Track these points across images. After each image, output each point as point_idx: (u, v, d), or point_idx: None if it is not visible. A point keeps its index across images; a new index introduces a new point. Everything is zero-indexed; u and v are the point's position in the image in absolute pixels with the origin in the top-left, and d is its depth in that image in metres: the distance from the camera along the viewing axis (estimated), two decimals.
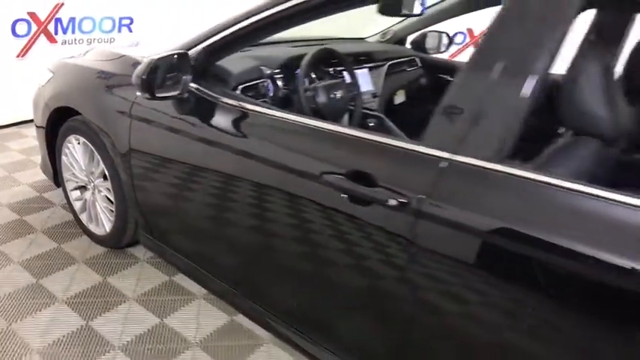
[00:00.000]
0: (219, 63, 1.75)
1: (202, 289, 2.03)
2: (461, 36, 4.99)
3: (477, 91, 1.11)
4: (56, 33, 3.78)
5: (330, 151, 1.32)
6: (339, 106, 1.89)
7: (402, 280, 1.19)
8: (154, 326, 1.86)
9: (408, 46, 2.87)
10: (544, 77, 1.06)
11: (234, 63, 1.81)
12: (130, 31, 4.20)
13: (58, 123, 2.24)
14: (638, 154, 1.82)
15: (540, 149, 1.24)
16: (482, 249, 1.06)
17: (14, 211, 2.56)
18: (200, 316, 1.93)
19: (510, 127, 1.06)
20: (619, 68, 1.96)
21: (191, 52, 1.64)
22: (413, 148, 1.17)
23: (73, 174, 2.30)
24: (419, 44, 2.78)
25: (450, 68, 2.66)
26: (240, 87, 1.75)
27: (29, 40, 3.67)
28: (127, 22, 4.16)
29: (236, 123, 1.54)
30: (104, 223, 2.22)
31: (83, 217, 2.35)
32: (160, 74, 1.52)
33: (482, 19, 4.48)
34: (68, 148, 2.25)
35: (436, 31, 2.78)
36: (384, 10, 1.81)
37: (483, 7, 2.30)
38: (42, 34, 3.72)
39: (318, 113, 1.84)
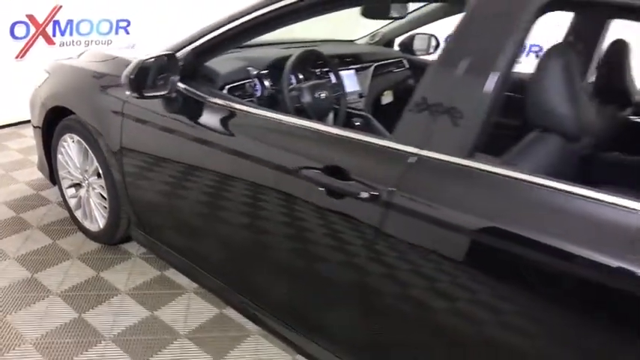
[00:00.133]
0: (208, 64, 1.82)
1: (193, 283, 2.09)
2: None
3: (443, 88, 1.17)
4: (54, 35, 3.86)
5: (310, 147, 1.39)
6: (324, 105, 1.95)
7: (374, 270, 1.25)
8: (144, 318, 1.92)
9: (396, 48, 2.93)
10: (506, 75, 1.12)
11: (222, 64, 1.88)
12: (127, 33, 4.27)
13: (54, 122, 2.30)
14: (602, 151, 1.90)
15: (508, 145, 1.30)
16: (447, 239, 1.12)
17: (11, 209, 2.62)
18: (190, 309, 1.99)
19: (474, 123, 1.12)
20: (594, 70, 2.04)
21: (180, 54, 1.71)
22: (384, 144, 1.24)
23: (68, 172, 2.36)
24: (407, 46, 2.84)
25: None
26: (227, 87, 1.81)
27: (28, 42, 3.74)
28: (124, 24, 4.23)
29: (222, 121, 1.61)
30: (98, 220, 2.29)
31: (78, 214, 2.41)
32: (149, 74, 1.59)
33: None
34: (63, 147, 2.32)
35: (424, 34, 2.85)
36: (367, 14, 1.89)
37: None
38: (40, 36, 3.79)
39: (303, 112, 1.90)
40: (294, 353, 1.79)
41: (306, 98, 1.89)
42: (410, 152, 1.18)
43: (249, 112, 1.56)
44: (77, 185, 2.38)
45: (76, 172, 2.32)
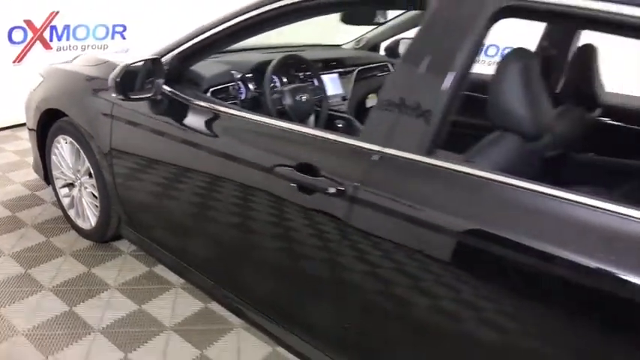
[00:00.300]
0: (193, 68, 1.91)
1: (180, 278, 2.17)
2: None
3: (403, 89, 1.25)
4: (51, 40, 3.94)
5: (285, 147, 1.47)
6: (305, 107, 2.04)
7: (343, 261, 1.32)
8: (132, 312, 2.00)
9: (382, 52, 3.02)
10: (463, 75, 1.20)
11: (207, 67, 1.97)
12: (123, 38, 4.36)
13: (49, 125, 2.39)
14: (576, 152, 1.98)
15: (469, 144, 1.38)
16: (407, 232, 1.20)
17: (7, 208, 2.70)
18: (176, 303, 2.07)
19: (432, 121, 1.20)
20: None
21: (165, 58, 1.80)
22: (352, 143, 1.32)
23: (62, 172, 2.45)
24: (392, 50, 2.93)
25: None
26: (211, 90, 1.90)
27: (25, 47, 3.83)
28: (120, 29, 4.32)
29: (205, 123, 1.69)
30: (90, 218, 2.37)
31: (71, 213, 2.49)
32: (137, 78, 1.68)
33: None
34: (57, 148, 2.40)
35: (409, 38, 2.92)
36: (346, 20, 1.98)
37: None
38: (37, 41, 3.88)
39: (285, 114, 1.99)
40: (274, 345, 1.86)
41: (288, 101, 1.97)
42: (374, 150, 1.26)
43: (230, 114, 1.64)
44: (70, 185, 2.46)
45: (68, 172, 2.40)
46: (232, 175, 1.60)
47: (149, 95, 1.73)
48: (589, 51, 1.94)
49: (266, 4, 1.50)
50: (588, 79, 1.93)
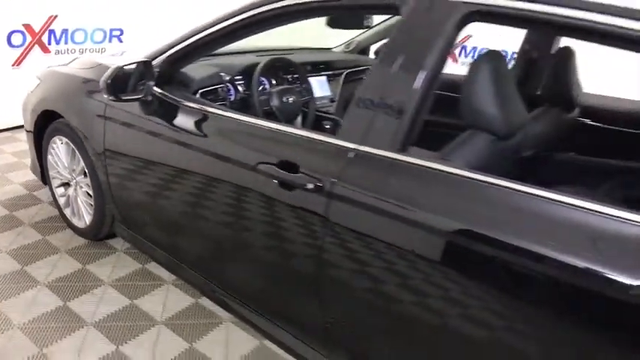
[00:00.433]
0: (184, 70, 1.97)
1: (172, 275, 2.23)
2: None
3: (377, 89, 1.32)
4: (50, 43, 4.02)
5: (268, 145, 1.53)
6: (292, 109, 2.10)
7: (323, 255, 1.38)
8: (125, 307, 2.06)
9: (372, 55, 3.09)
10: (434, 76, 1.26)
11: (197, 70, 2.04)
12: (120, 41, 4.43)
13: (45, 126, 2.46)
14: (557, 151, 2.04)
15: (447, 142, 1.44)
16: (381, 225, 1.26)
17: (5, 207, 2.77)
18: (167, 299, 2.13)
19: (404, 120, 1.26)
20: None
21: (156, 60, 1.86)
22: (330, 141, 1.39)
23: (58, 172, 2.51)
24: None
25: None
26: (200, 91, 1.97)
27: (24, 50, 3.91)
28: (118, 33, 4.40)
29: (194, 123, 1.75)
30: (85, 217, 2.43)
31: (67, 212, 2.56)
32: (126, 79, 1.75)
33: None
34: (53, 149, 2.47)
35: None
36: (332, 24, 2.05)
37: None
38: (36, 45, 3.96)
39: (272, 115, 2.06)
40: (262, 338, 1.92)
41: (275, 102, 2.04)
42: (350, 148, 1.33)
43: (218, 115, 1.71)
44: (66, 185, 2.52)
45: (64, 172, 2.47)
46: (220, 174, 1.66)
47: (139, 96, 1.79)
48: (567, 53, 2.00)
49: (251, 9, 1.57)
50: (566, 81, 1.99)
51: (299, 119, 2.25)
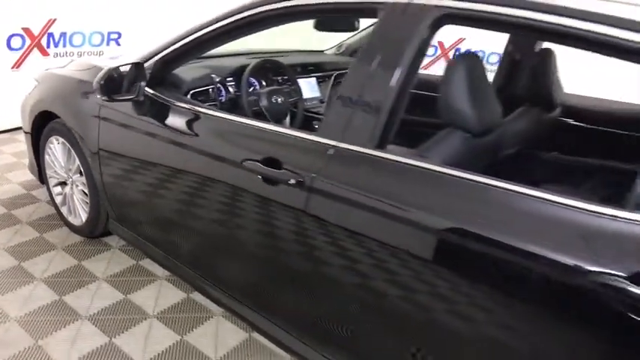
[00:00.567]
0: (175, 71, 2.04)
1: (165, 271, 2.30)
2: (432, 49, 5.31)
3: (356, 88, 1.38)
4: (48, 47, 4.10)
5: (253, 143, 1.60)
6: (280, 109, 2.17)
7: (304, 247, 1.45)
8: (118, 301, 2.13)
9: None
10: (409, 76, 1.33)
11: (189, 71, 2.11)
12: (118, 44, 4.51)
13: (43, 126, 2.53)
14: (541, 151, 2.10)
15: (421, 139, 1.51)
16: (358, 218, 1.33)
17: (3, 206, 2.84)
18: (160, 294, 2.20)
19: (380, 118, 1.32)
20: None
21: (149, 62, 1.93)
22: (311, 139, 1.45)
23: (55, 171, 2.58)
24: None
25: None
26: (191, 92, 2.03)
27: (23, 53, 3.99)
28: (115, 36, 4.48)
29: (184, 123, 1.81)
30: (80, 214, 2.50)
31: (63, 210, 2.63)
32: (118, 80, 1.81)
33: (452, 34, 4.84)
34: (50, 148, 2.54)
35: None
36: (318, 26, 2.12)
37: None
38: (35, 48, 4.04)
39: (261, 115, 2.12)
40: (251, 331, 1.98)
41: (264, 102, 2.11)
42: (330, 144, 1.39)
43: (207, 114, 1.77)
44: (63, 184, 2.59)
45: (61, 171, 2.53)
46: (209, 171, 1.72)
47: (132, 97, 1.86)
48: (546, 54, 2.06)
49: (234, 14, 1.65)
50: (545, 81, 2.05)
51: (287, 119, 2.31)
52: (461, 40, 5.30)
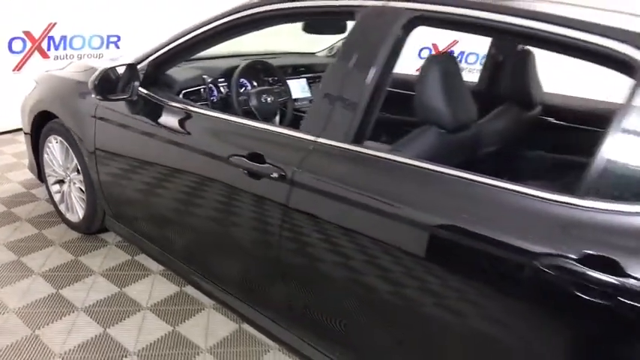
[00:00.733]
0: (169, 72, 2.12)
1: (160, 266, 2.37)
2: (426, 51, 5.39)
3: (334, 87, 1.46)
4: (49, 49, 4.19)
5: (240, 140, 1.67)
6: (270, 108, 2.25)
7: (287, 239, 1.52)
8: (113, 294, 2.20)
9: None
10: (384, 74, 1.40)
11: (181, 72, 2.19)
12: (118, 47, 4.60)
13: (42, 126, 2.61)
14: (525, 149, 2.17)
15: (399, 135, 1.58)
16: (336, 209, 1.40)
17: (3, 204, 2.92)
18: (154, 287, 2.27)
19: (355, 114, 1.40)
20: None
21: (142, 64, 2.02)
22: (293, 134, 1.53)
23: (53, 170, 2.66)
24: None
25: (394, 80, 3.01)
26: (183, 92, 2.11)
27: (24, 56, 4.08)
28: (115, 39, 4.57)
29: (177, 121, 1.88)
30: (78, 211, 2.58)
31: (62, 208, 2.71)
32: (112, 81, 1.90)
33: (446, 36, 4.94)
34: (49, 147, 2.62)
35: None
36: (307, 29, 2.19)
37: None
38: (36, 51, 4.13)
39: (251, 114, 2.20)
40: (241, 322, 2.06)
41: (253, 102, 2.19)
42: (310, 140, 1.47)
43: (198, 113, 1.85)
44: (61, 182, 2.67)
45: (59, 169, 2.61)
46: (199, 168, 1.80)
47: (126, 96, 1.94)
48: (525, 55, 2.13)
49: (218, 19, 1.74)
50: (524, 81, 2.12)
51: (277, 118, 2.39)
52: (455, 42, 5.39)
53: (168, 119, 1.91)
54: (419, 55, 5.32)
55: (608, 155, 1.05)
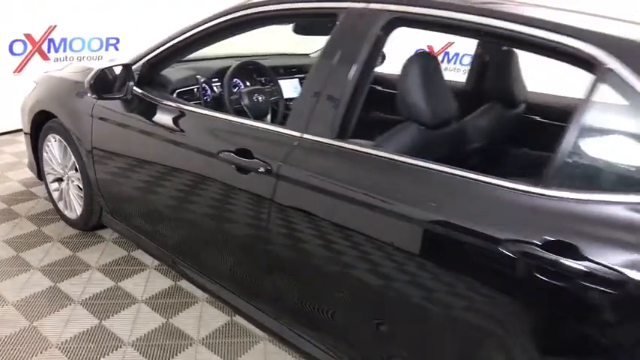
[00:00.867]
0: (163, 72, 2.19)
1: (155, 261, 2.44)
2: None
3: (317, 84, 1.53)
4: (49, 52, 4.27)
5: (230, 136, 1.74)
6: (262, 107, 2.32)
7: (274, 231, 1.59)
8: (109, 288, 2.27)
9: None
10: (365, 72, 1.47)
11: (176, 73, 2.26)
12: (117, 49, 4.68)
13: (41, 125, 2.68)
14: (510, 147, 2.24)
15: (381, 131, 1.64)
16: (319, 202, 1.47)
17: (3, 202, 2.99)
18: (149, 281, 2.34)
19: (338, 112, 1.47)
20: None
21: (137, 64, 2.09)
22: (280, 131, 1.60)
23: (52, 168, 2.73)
24: None
25: (379, 79, 3.08)
26: (177, 91, 2.19)
27: (25, 58, 4.16)
28: (114, 41, 4.65)
29: (169, 119, 1.95)
30: (75, 208, 2.65)
31: (60, 205, 2.77)
32: (108, 80, 1.97)
33: (441, 38, 5.00)
34: (48, 146, 2.69)
35: None
36: (297, 30, 2.26)
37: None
38: (36, 53, 4.21)
39: (243, 113, 2.27)
40: (233, 315, 2.12)
41: (245, 101, 2.25)
42: (295, 136, 1.54)
43: (190, 111, 1.92)
44: (59, 179, 2.74)
45: (58, 167, 2.68)
46: (193, 164, 1.86)
47: (121, 96, 2.01)
48: (509, 54, 2.20)
49: (207, 22, 1.82)
50: (508, 80, 2.19)
51: (269, 117, 2.46)
52: (449, 44, 5.46)
53: (162, 117, 1.98)
54: None
55: (568, 147, 1.12)
